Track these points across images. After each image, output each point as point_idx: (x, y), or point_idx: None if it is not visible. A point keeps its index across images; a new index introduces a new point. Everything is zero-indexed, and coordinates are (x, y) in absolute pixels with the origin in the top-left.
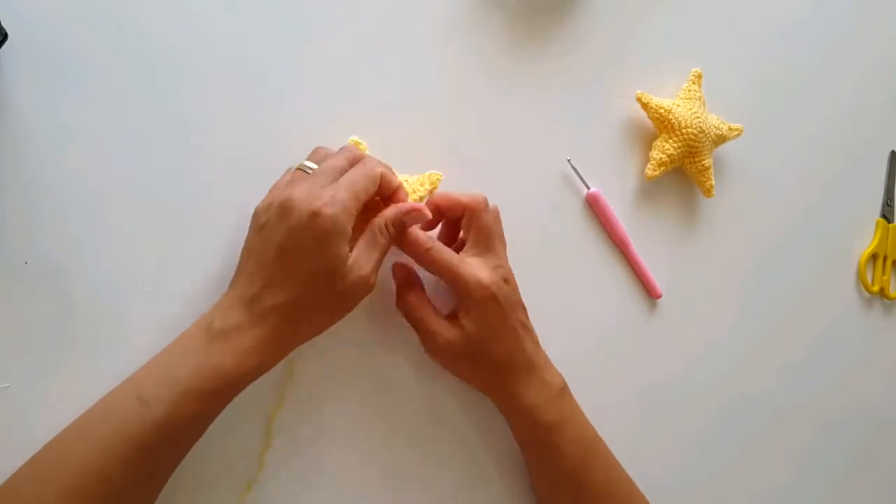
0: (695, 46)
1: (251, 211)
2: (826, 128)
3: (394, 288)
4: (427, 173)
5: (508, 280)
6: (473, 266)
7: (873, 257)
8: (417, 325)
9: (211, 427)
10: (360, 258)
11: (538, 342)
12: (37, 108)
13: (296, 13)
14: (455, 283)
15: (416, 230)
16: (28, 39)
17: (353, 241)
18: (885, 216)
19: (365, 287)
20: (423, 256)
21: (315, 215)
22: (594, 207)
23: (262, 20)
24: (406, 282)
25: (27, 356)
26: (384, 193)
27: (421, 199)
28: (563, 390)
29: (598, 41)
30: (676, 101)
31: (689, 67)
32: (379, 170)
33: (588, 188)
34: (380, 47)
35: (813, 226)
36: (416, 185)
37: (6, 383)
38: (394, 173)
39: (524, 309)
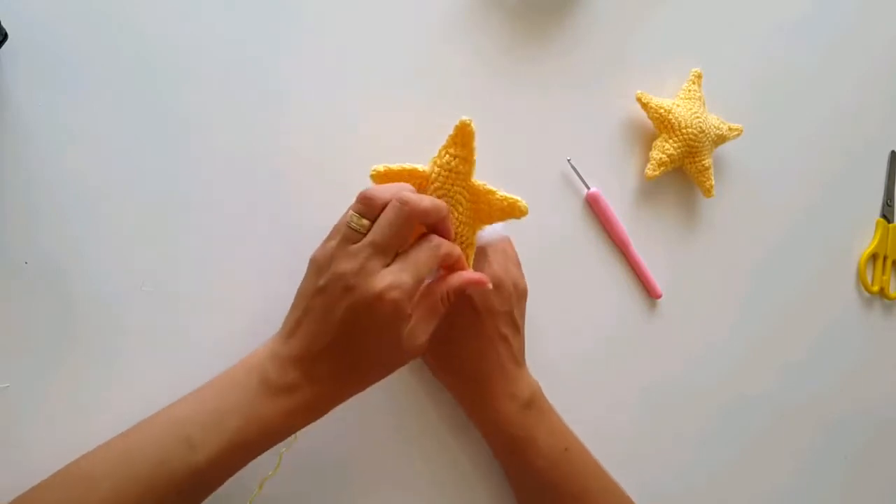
0: (695, 46)
1: (251, 210)
2: (826, 128)
3: None
4: (512, 198)
5: (499, 287)
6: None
7: (873, 257)
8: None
9: None
10: (417, 328)
11: (517, 354)
12: (37, 108)
13: (296, 13)
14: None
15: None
16: (28, 39)
17: None
18: (885, 216)
19: (419, 354)
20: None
21: (378, 298)
22: (594, 207)
23: (262, 20)
24: None
25: (27, 356)
26: (445, 265)
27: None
28: (531, 402)
29: (598, 41)
30: (676, 101)
31: (689, 67)
32: (444, 251)
33: (588, 188)
34: (380, 47)
35: (813, 226)
36: (494, 209)
37: (6, 383)
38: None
39: (511, 319)
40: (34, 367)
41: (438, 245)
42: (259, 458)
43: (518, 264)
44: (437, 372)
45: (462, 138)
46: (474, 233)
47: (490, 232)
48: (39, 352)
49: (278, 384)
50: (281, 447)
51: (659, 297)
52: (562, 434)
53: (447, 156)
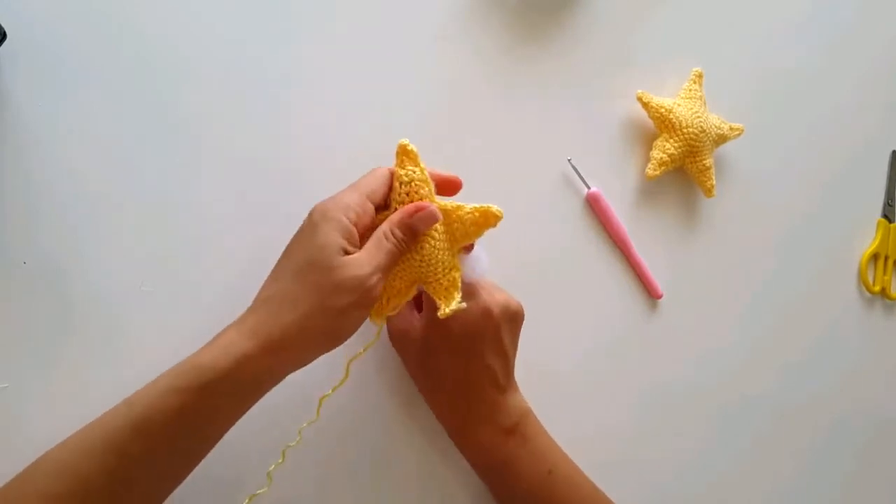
0: (695, 46)
1: (251, 210)
2: (826, 128)
3: None
4: (483, 206)
5: (487, 315)
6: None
7: (874, 257)
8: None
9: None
10: (361, 258)
11: (503, 380)
12: (37, 108)
13: (296, 14)
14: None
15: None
16: (28, 39)
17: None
18: (886, 216)
19: (361, 288)
20: None
21: (311, 211)
22: (594, 207)
23: (261, 20)
24: None
25: (27, 356)
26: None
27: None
28: (514, 428)
29: (598, 41)
30: (677, 101)
31: (690, 67)
32: (385, 168)
33: (588, 188)
34: (380, 47)
35: (814, 226)
36: (468, 224)
37: (6, 383)
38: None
39: (499, 345)
40: (34, 367)
41: (380, 167)
42: (249, 475)
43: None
44: (424, 395)
45: (409, 159)
46: (455, 255)
47: (473, 262)
48: (39, 352)
49: (219, 334)
50: (269, 466)
51: (659, 297)
52: (546, 456)
53: (403, 185)
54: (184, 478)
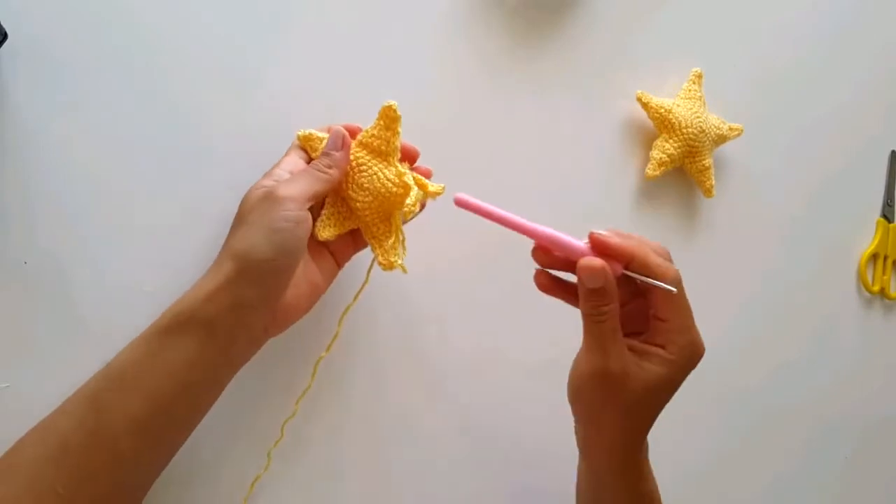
0: (695, 46)
1: None
2: (826, 128)
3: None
4: (379, 111)
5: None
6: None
7: (873, 257)
8: (604, 341)
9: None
10: (290, 184)
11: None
12: (37, 108)
13: (297, 14)
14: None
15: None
16: (28, 39)
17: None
18: (886, 216)
19: (273, 197)
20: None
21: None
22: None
23: (262, 21)
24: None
25: (27, 356)
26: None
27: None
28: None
29: (598, 41)
30: (677, 101)
31: (690, 67)
32: (293, 140)
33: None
34: (380, 47)
35: (813, 226)
36: (381, 134)
37: (6, 383)
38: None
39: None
40: (34, 367)
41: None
42: (249, 457)
43: None
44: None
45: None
46: (396, 166)
47: None
48: (39, 352)
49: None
50: (269, 444)
51: None
52: None
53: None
54: (172, 449)
